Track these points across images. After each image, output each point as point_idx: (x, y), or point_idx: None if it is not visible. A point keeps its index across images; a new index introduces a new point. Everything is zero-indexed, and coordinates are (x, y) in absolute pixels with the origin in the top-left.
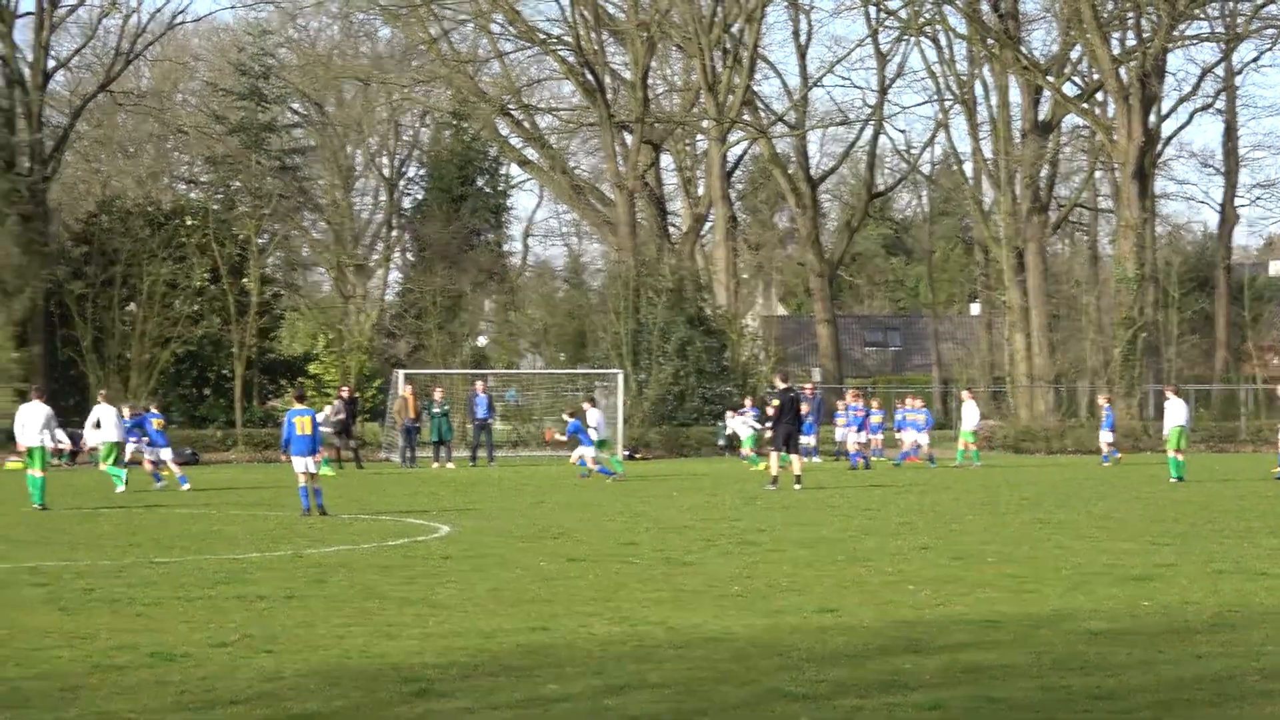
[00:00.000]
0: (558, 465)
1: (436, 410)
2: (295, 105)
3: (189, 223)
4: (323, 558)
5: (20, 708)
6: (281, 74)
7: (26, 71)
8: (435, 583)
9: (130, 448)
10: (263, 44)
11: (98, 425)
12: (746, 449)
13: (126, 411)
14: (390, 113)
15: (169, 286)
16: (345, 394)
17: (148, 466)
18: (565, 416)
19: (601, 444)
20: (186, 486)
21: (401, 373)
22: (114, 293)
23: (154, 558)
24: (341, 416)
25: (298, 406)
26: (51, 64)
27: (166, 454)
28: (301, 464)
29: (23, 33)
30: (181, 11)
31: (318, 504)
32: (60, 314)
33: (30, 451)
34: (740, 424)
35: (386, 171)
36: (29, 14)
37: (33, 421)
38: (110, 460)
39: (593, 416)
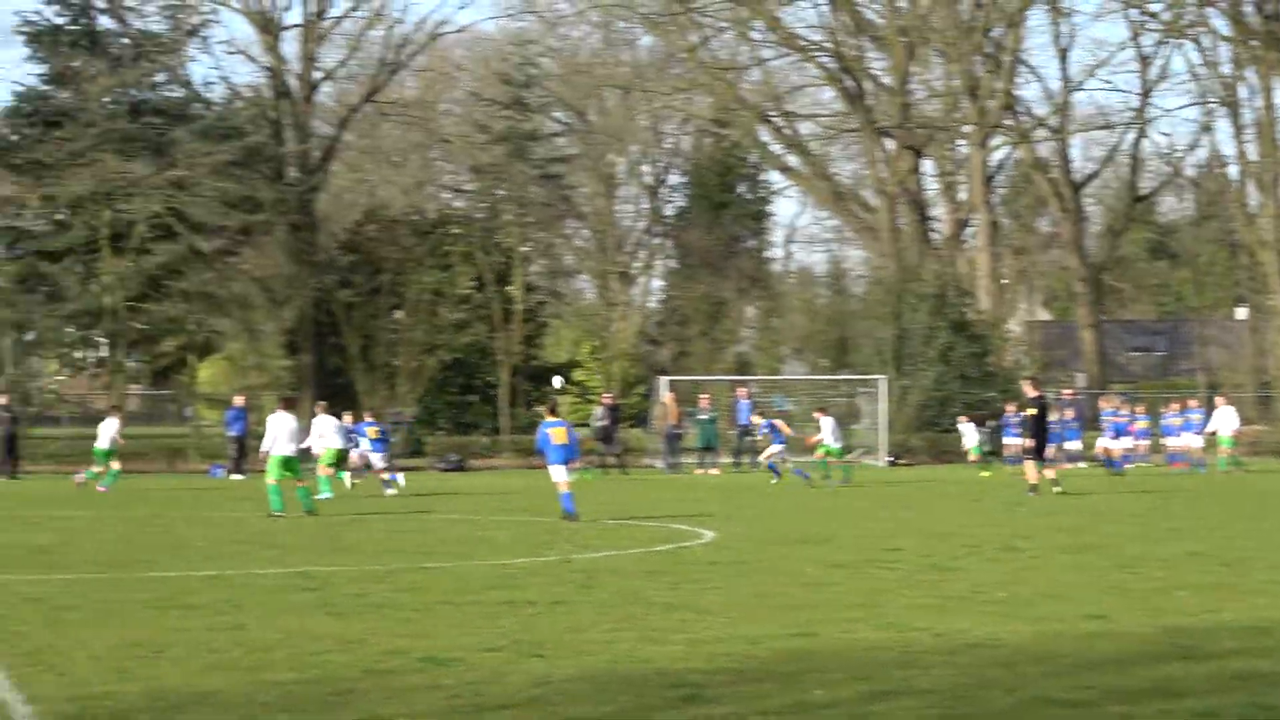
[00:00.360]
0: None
1: (703, 417)
2: (558, 114)
3: (454, 231)
4: (590, 563)
5: (293, 711)
6: (544, 83)
7: (294, 83)
8: (701, 588)
9: (369, 457)
10: (525, 53)
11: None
12: (974, 456)
13: (348, 419)
14: (651, 120)
15: (435, 294)
16: (608, 400)
17: (385, 475)
18: (816, 416)
19: (837, 451)
20: (390, 493)
21: (664, 379)
22: (381, 301)
23: (422, 563)
24: (604, 423)
25: (550, 418)
26: (318, 75)
27: (378, 460)
28: (559, 473)
29: (290, 45)
30: (444, 22)
31: (567, 510)
32: (329, 322)
33: (278, 460)
34: (971, 431)
35: (649, 179)
36: (296, 26)
37: (282, 432)
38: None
39: (825, 425)
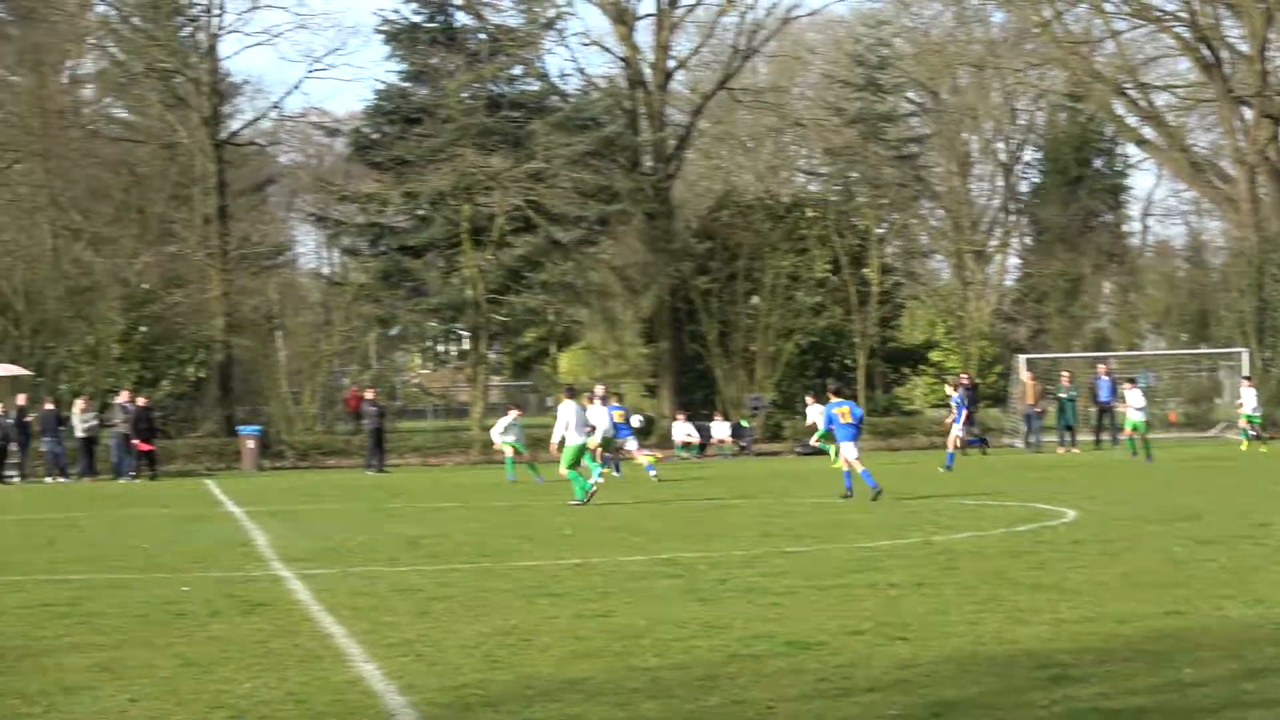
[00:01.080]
0: (1186, 448)
1: (1064, 395)
2: (911, 94)
3: (809, 215)
4: (952, 544)
5: (661, 697)
6: (896, 63)
7: (648, 72)
8: (1066, 568)
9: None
10: (878, 34)
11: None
12: None
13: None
14: (1005, 97)
15: (791, 279)
16: (965, 380)
17: (640, 458)
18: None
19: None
20: (653, 474)
21: (1022, 358)
22: (737, 286)
23: (785, 548)
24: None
25: (835, 399)
26: (671, 64)
27: (631, 444)
28: (850, 450)
29: (643, 34)
30: (796, 6)
31: (872, 486)
32: (686, 309)
33: (574, 449)
34: None
35: (1003, 156)
36: (650, 16)
37: (573, 421)
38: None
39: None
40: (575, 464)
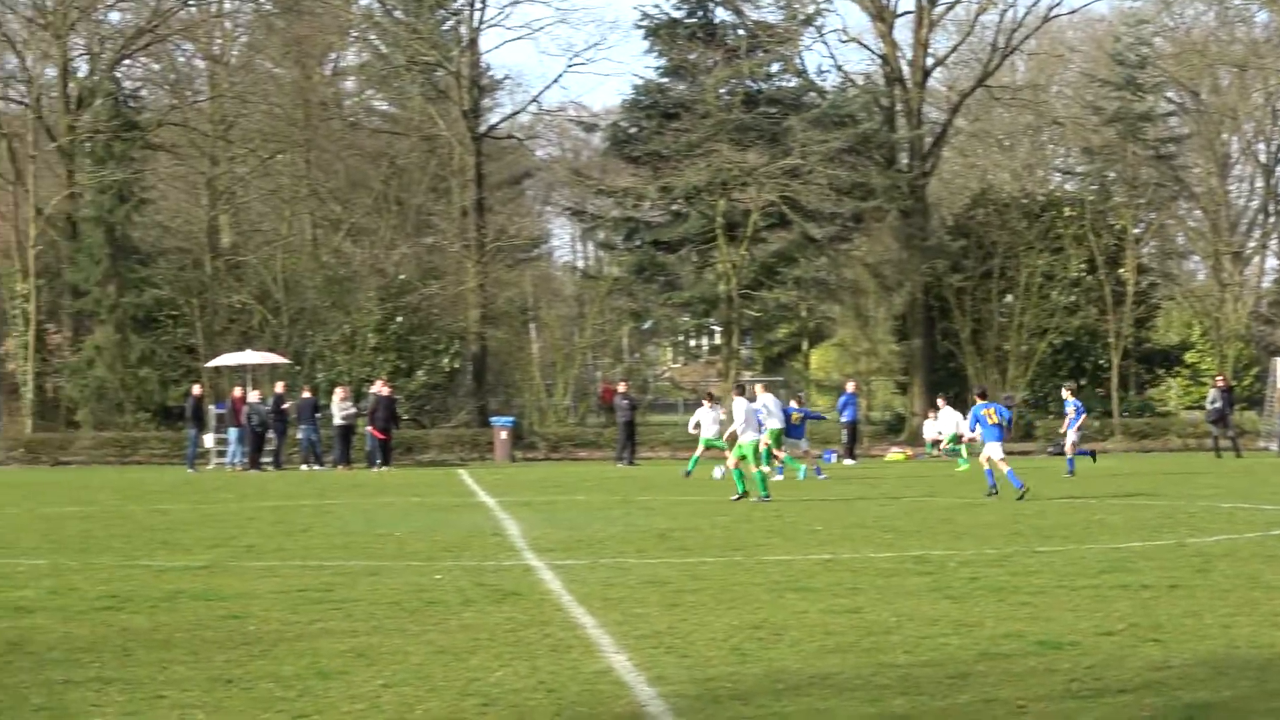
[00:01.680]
0: None
1: None
2: (1170, 93)
3: (1065, 214)
4: (1205, 547)
5: (911, 693)
6: (1156, 62)
7: (906, 69)
8: None
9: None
10: (1138, 33)
11: (697, 426)
12: None
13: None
14: (1266, 98)
15: (1045, 278)
16: (1221, 383)
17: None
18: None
19: None
20: (822, 477)
21: (1279, 361)
22: (991, 285)
23: (1036, 547)
24: (1217, 405)
25: (981, 401)
26: (930, 61)
27: (804, 445)
28: (995, 450)
29: (902, 31)
30: (1057, 4)
31: (1017, 485)
32: (939, 307)
33: (752, 446)
34: None
35: (1263, 158)
36: (909, 13)
37: (750, 419)
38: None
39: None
40: (747, 459)
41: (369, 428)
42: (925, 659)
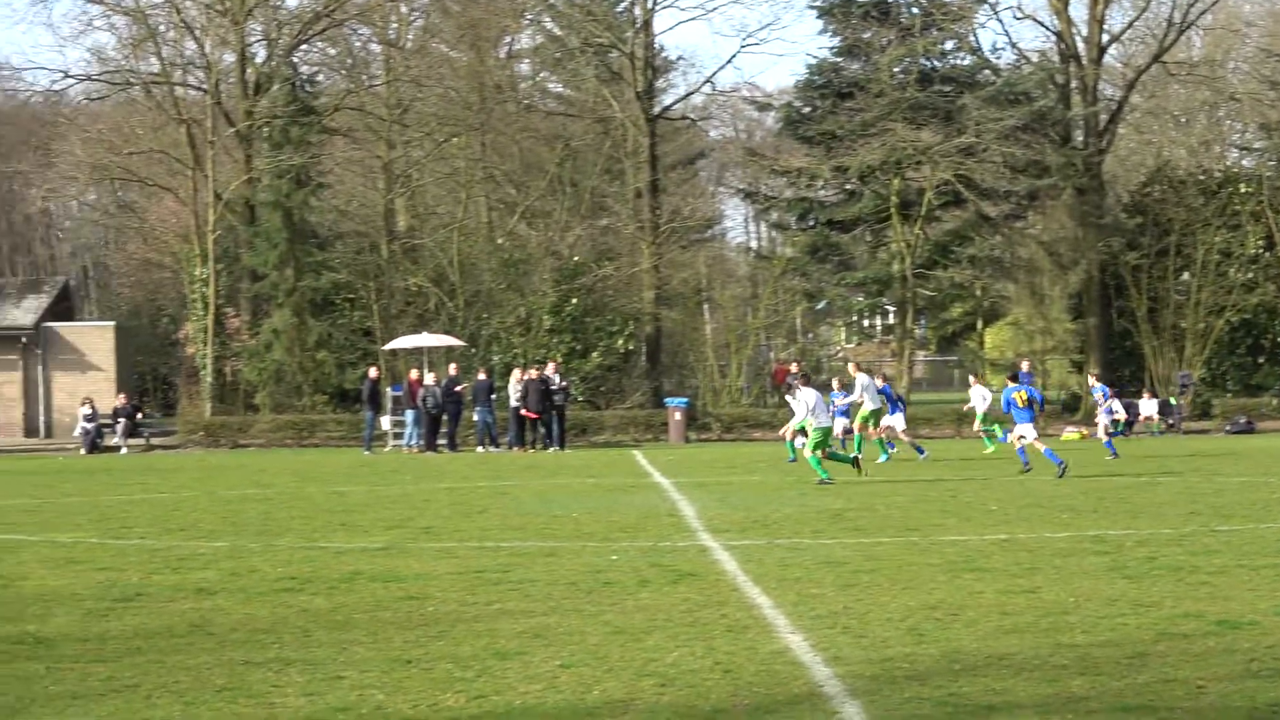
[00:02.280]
0: None
1: None
2: None
3: (1242, 190)
4: None
5: (1089, 674)
6: None
7: (1081, 46)
8: None
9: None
10: None
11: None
12: None
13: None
14: None
15: (1222, 255)
16: None
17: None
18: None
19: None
20: (924, 456)
21: None
22: (1168, 263)
23: (1214, 526)
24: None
25: (1011, 385)
26: (1105, 38)
27: (898, 421)
28: (1028, 430)
29: (1078, 8)
30: None
31: (1057, 463)
32: (1115, 285)
33: (822, 431)
34: None
35: None
36: None
37: (817, 404)
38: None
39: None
40: (819, 447)
41: (521, 410)
42: (1103, 639)
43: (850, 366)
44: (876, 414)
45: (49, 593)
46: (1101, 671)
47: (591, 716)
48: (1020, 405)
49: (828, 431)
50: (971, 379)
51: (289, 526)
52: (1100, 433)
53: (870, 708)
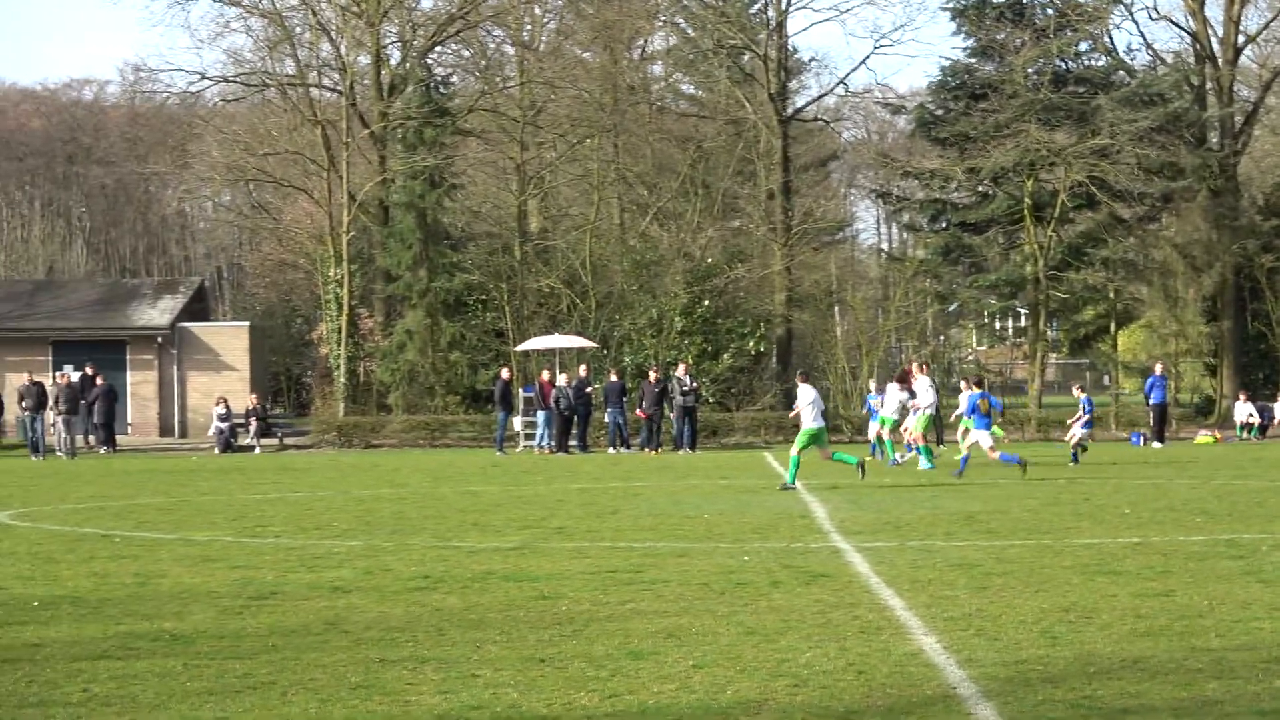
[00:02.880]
0: None
1: None
2: None
3: None
4: None
5: (1225, 677)
6: None
7: (1217, 47)
8: None
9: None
10: None
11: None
12: None
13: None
14: None
15: None
16: None
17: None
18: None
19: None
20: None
21: None
22: None
23: None
24: None
25: (976, 391)
26: (1241, 39)
27: (982, 438)
28: (984, 438)
29: (1213, 8)
30: None
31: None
32: (1250, 288)
33: (808, 433)
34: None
35: None
36: None
37: (809, 404)
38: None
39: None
40: (806, 447)
41: (638, 410)
42: (1238, 643)
43: (915, 367)
44: (897, 422)
45: (185, 590)
46: (1237, 675)
47: (725, 716)
48: (982, 412)
49: (814, 434)
50: (873, 384)
51: (422, 526)
52: (1070, 437)
53: (1005, 710)
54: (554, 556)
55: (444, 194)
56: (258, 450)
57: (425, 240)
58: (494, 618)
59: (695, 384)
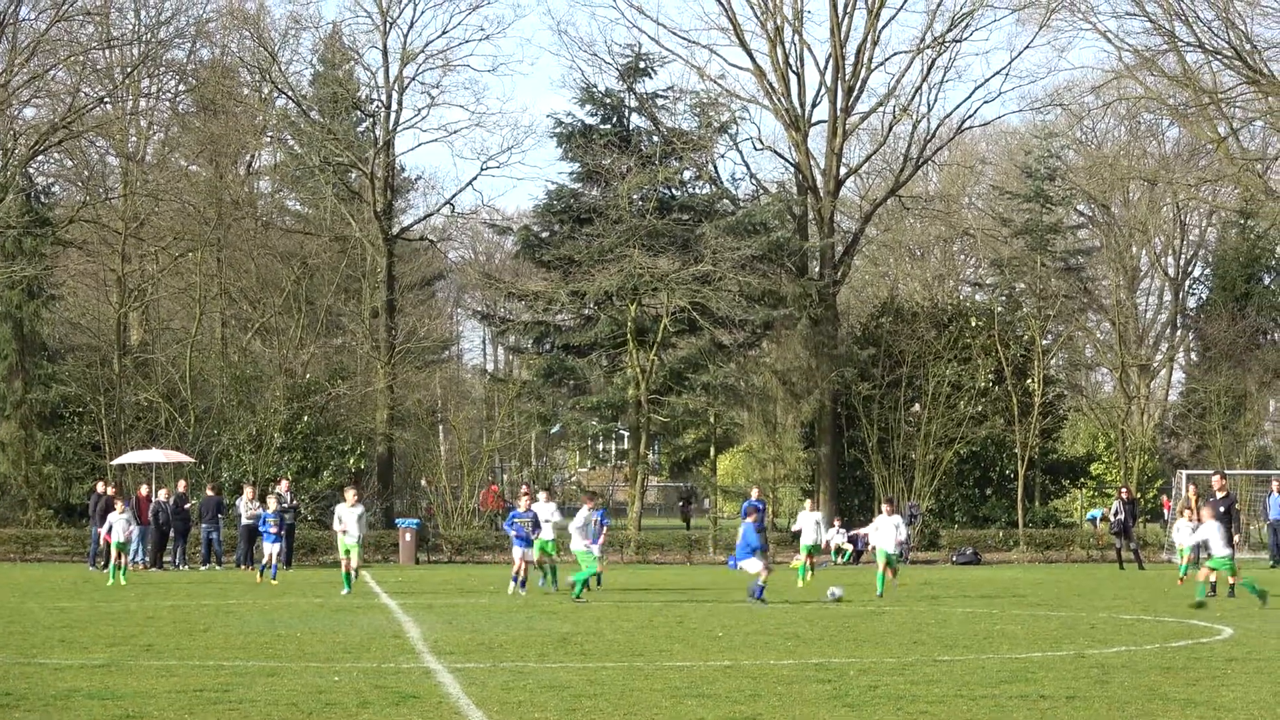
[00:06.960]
0: None
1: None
2: (1081, 206)
3: (973, 324)
4: (1105, 658)
5: None
6: (1068, 175)
7: (819, 178)
8: (1218, 685)
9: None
10: (1049, 146)
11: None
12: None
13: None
14: (1176, 212)
15: (953, 387)
16: (1125, 494)
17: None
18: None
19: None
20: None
21: (1184, 474)
22: (899, 393)
23: (937, 655)
24: (1120, 516)
25: (751, 519)
26: (843, 170)
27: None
28: (753, 564)
29: (816, 141)
30: (970, 116)
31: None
32: (847, 415)
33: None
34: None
35: (1171, 271)
36: (822, 122)
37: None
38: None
39: None
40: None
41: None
42: None
43: (584, 498)
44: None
45: None
46: None
47: None
48: (748, 539)
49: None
50: (808, 504)
51: (6, 642)
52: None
53: None
54: (141, 674)
55: (42, 304)
56: None
57: (21, 351)
58: None
59: (295, 501)
